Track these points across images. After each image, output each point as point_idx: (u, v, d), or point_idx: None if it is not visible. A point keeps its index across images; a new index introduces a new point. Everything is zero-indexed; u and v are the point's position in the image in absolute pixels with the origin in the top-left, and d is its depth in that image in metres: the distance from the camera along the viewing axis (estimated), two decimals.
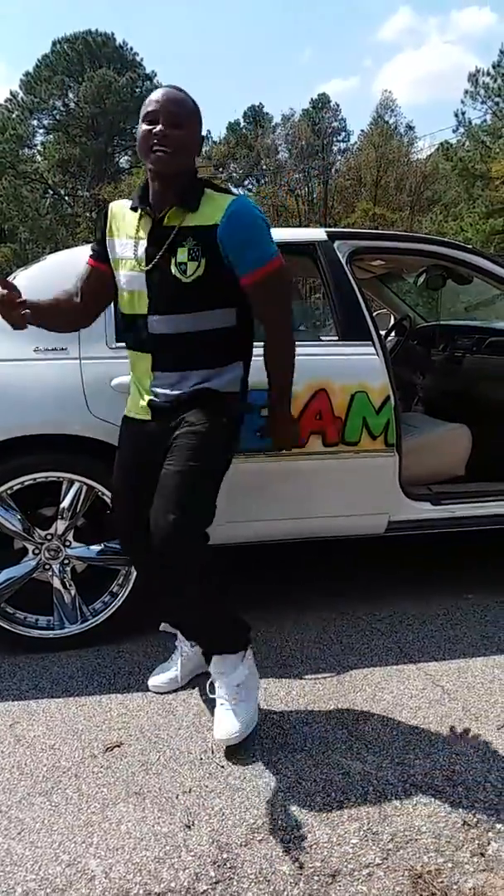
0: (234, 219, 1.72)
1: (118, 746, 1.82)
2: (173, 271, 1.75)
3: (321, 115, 32.40)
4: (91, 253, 1.94)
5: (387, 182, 27.88)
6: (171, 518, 1.64)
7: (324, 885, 1.36)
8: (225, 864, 1.41)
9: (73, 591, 2.35)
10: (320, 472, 2.44)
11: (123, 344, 1.97)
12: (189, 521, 1.67)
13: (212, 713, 1.91)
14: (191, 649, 2.11)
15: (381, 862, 1.41)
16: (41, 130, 33.51)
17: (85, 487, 2.28)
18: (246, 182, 33.88)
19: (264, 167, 31.18)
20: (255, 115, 34.95)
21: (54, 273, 2.48)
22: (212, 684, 1.88)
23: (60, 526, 2.31)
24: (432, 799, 1.59)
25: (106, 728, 1.91)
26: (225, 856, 1.43)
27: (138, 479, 1.85)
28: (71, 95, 32.48)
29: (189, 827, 1.52)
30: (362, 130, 32.70)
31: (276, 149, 30.73)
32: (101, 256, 1.90)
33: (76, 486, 2.27)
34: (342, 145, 33.17)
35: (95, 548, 2.35)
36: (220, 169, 32.97)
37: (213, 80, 58.61)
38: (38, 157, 32.79)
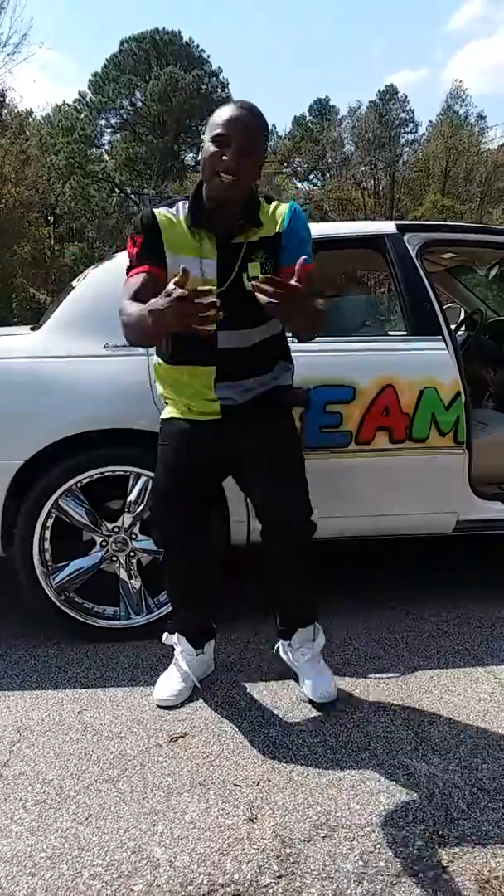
0: (294, 221, 1.79)
1: (182, 737, 1.85)
2: (248, 286, 1.70)
3: (388, 106, 31.91)
4: (145, 260, 1.76)
5: (456, 173, 27.30)
6: (300, 508, 1.85)
7: (388, 885, 1.34)
8: (288, 859, 1.41)
9: (138, 583, 2.39)
10: (387, 470, 2.41)
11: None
12: (308, 508, 1.87)
13: (272, 706, 1.91)
14: (194, 657, 2.08)
15: (446, 865, 1.39)
16: (108, 130, 34.13)
17: (151, 482, 2.31)
18: (311, 176, 33.72)
19: (330, 160, 30.95)
20: (322, 109, 34.70)
21: (124, 270, 2.53)
22: (284, 653, 2.07)
23: (127, 519, 2.35)
24: (501, 804, 1.55)
25: (170, 718, 1.94)
26: (288, 851, 1.43)
27: (198, 480, 1.89)
28: (138, 94, 32.92)
29: (252, 820, 1.52)
30: (430, 121, 32.09)
31: (341, 142, 30.49)
32: (160, 262, 1.77)
33: (143, 479, 2.31)
34: (409, 137, 32.62)
35: None
36: (286, 164, 32.90)
37: (278, 75, 58.44)
38: (106, 157, 33.37)
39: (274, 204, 1.83)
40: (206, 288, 1.44)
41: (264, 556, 1.92)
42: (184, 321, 1.41)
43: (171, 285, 1.42)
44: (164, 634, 2.13)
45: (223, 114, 1.68)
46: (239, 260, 1.76)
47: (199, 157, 1.73)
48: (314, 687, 1.98)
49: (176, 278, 1.41)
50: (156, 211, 1.81)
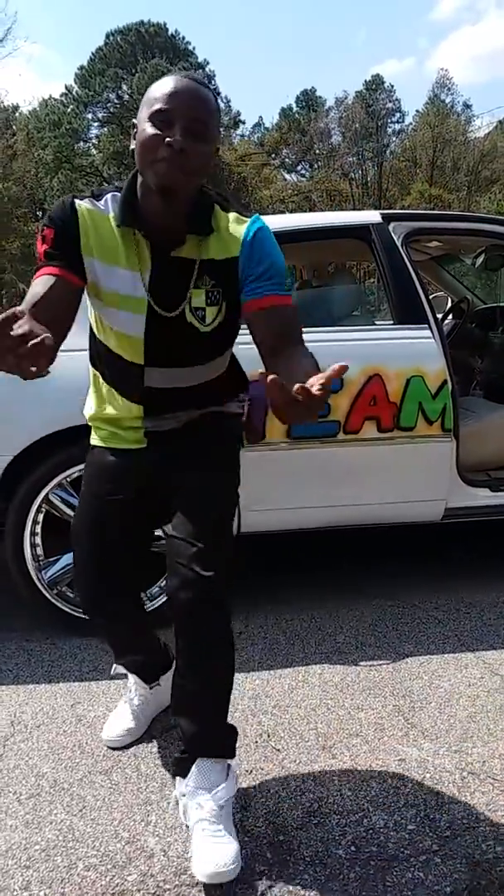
0: (257, 244, 1.38)
1: (176, 728, 1.85)
2: (188, 318, 1.41)
3: (375, 96, 31.85)
4: (52, 259, 1.35)
5: (443, 162, 27.30)
6: (212, 562, 1.37)
7: (380, 870, 1.35)
8: (281, 846, 1.42)
9: None
10: (375, 459, 2.42)
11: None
12: (227, 568, 1.41)
13: (264, 694, 1.92)
14: (148, 691, 1.83)
15: (438, 849, 1.40)
16: (96, 124, 33.91)
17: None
18: (299, 167, 33.64)
19: (317, 151, 30.88)
20: (308, 100, 34.59)
21: None
22: (184, 807, 1.44)
23: None
24: (491, 787, 1.57)
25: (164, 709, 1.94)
26: (281, 837, 1.44)
27: (123, 522, 1.55)
28: (124, 87, 32.71)
29: (245, 808, 1.53)
30: (417, 111, 32.05)
31: (329, 132, 30.44)
32: (74, 265, 1.37)
33: None
34: (396, 126, 32.58)
35: None
36: (273, 156, 32.80)
37: (265, 66, 58.20)
38: (93, 151, 33.20)
39: (232, 216, 1.41)
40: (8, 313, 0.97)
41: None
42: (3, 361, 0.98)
43: None
44: (113, 666, 1.86)
45: (164, 86, 1.29)
46: (191, 281, 1.39)
47: (131, 145, 1.33)
48: (206, 855, 1.32)
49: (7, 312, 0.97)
50: (76, 202, 1.40)
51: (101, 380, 1.56)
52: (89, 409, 1.62)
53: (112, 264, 1.39)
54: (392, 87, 32.85)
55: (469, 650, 2.21)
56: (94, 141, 33.86)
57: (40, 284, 1.33)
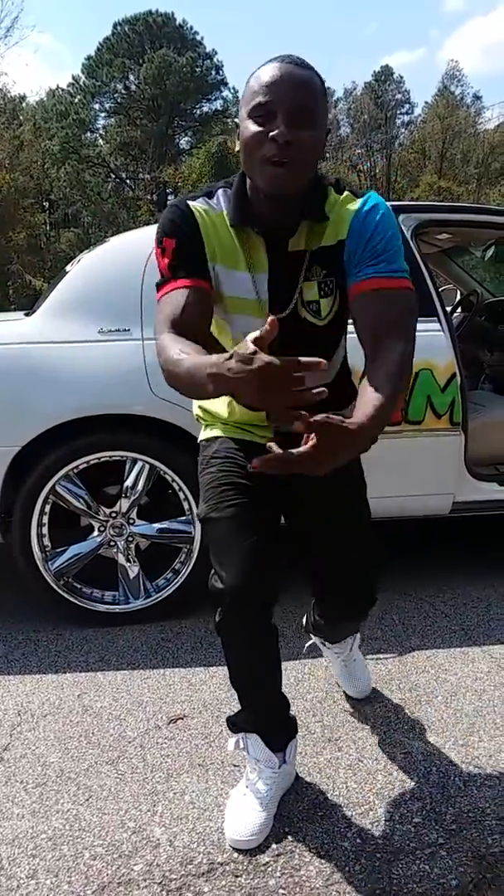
0: (367, 221, 1.27)
1: (182, 719, 1.86)
2: (301, 314, 1.33)
3: (384, 87, 31.65)
4: (181, 271, 1.27)
5: (452, 154, 27.12)
6: (358, 552, 1.51)
7: (386, 862, 1.36)
8: (286, 838, 1.42)
9: (136, 568, 2.39)
10: (383, 452, 2.40)
11: None
12: (372, 570, 1.58)
13: None
14: (278, 772, 1.49)
15: (443, 842, 1.40)
16: (103, 114, 33.83)
17: (148, 466, 2.31)
18: None
19: (326, 142, 30.73)
20: None
21: (117, 254, 2.52)
22: (319, 651, 1.92)
23: (124, 504, 2.35)
24: (497, 781, 1.57)
25: (170, 701, 1.95)
26: (286, 829, 1.45)
27: (258, 508, 1.38)
28: (132, 78, 32.61)
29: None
30: (426, 102, 31.83)
31: (337, 124, 30.23)
32: (202, 272, 1.28)
33: (139, 465, 2.31)
34: (406, 118, 32.38)
35: (158, 525, 2.39)
36: None
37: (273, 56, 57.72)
38: (101, 141, 33.11)
39: (346, 196, 1.31)
40: (314, 360, 0.92)
41: (319, 610, 1.73)
42: (267, 399, 0.94)
43: (247, 343, 0.95)
44: (230, 742, 1.53)
45: (260, 77, 1.20)
46: (301, 275, 1.31)
47: (236, 144, 1.26)
48: (354, 681, 1.90)
49: (254, 335, 0.95)
50: (191, 204, 1.31)
51: None
52: (206, 410, 1.52)
53: (232, 268, 1.32)
54: (401, 77, 32.74)
55: (476, 644, 2.21)
56: (101, 131, 33.78)
57: (174, 303, 1.24)
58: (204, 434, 1.53)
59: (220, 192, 1.34)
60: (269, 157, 1.17)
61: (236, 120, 1.26)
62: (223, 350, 1.20)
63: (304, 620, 1.91)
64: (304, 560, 1.58)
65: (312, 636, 1.90)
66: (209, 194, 1.35)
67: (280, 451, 0.98)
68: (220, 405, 1.48)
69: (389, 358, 1.20)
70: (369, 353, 1.25)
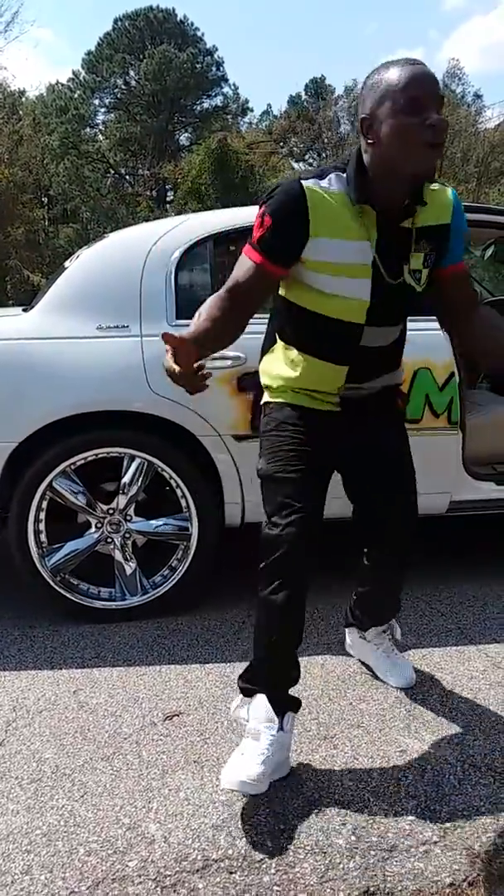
0: (459, 212, 1.58)
1: (177, 715, 1.86)
2: (407, 280, 1.55)
3: None
4: (264, 247, 1.49)
5: (452, 153, 27.06)
6: (413, 498, 1.77)
7: (380, 859, 1.36)
8: (282, 835, 1.43)
9: (133, 565, 2.39)
10: None
11: (296, 347, 1.63)
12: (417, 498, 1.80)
13: None
14: (276, 736, 1.56)
15: (438, 840, 1.41)
16: (102, 110, 33.70)
17: (145, 463, 2.31)
18: (307, 156, 33.43)
19: (326, 140, 30.68)
20: (317, 88, 34.31)
21: (116, 250, 2.51)
22: (351, 646, 2.09)
23: (122, 500, 2.35)
24: (492, 780, 1.57)
25: (165, 697, 1.95)
26: (281, 826, 1.45)
27: (317, 470, 1.63)
28: (132, 73, 32.49)
29: (246, 797, 1.54)
30: None
31: (338, 121, 30.19)
32: (285, 256, 1.51)
33: (137, 461, 2.31)
34: None
35: (155, 522, 2.39)
36: (281, 144, 32.60)
37: (274, 53, 57.79)
38: (100, 137, 33.01)
39: (435, 186, 1.56)
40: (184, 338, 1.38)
41: (367, 559, 1.89)
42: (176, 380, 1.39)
43: (167, 358, 1.37)
44: (235, 701, 1.72)
45: (403, 76, 1.38)
46: (410, 247, 1.54)
47: (363, 143, 1.45)
48: (396, 671, 1.98)
49: (172, 342, 1.35)
50: (306, 185, 1.47)
51: (294, 351, 1.64)
52: (276, 377, 1.68)
53: (338, 238, 1.49)
54: None
55: (472, 643, 2.21)
56: (100, 127, 33.66)
57: (246, 273, 1.51)
58: (273, 398, 1.70)
59: (332, 174, 1.50)
60: (429, 141, 1.37)
61: (363, 116, 1.44)
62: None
63: (346, 613, 2.06)
64: (359, 516, 1.86)
65: (349, 636, 2.08)
66: (321, 175, 1.51)
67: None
68: (293, 372, 1.65)
69: (487, 315, 1.72)
70: (463, 318, 1.68)
